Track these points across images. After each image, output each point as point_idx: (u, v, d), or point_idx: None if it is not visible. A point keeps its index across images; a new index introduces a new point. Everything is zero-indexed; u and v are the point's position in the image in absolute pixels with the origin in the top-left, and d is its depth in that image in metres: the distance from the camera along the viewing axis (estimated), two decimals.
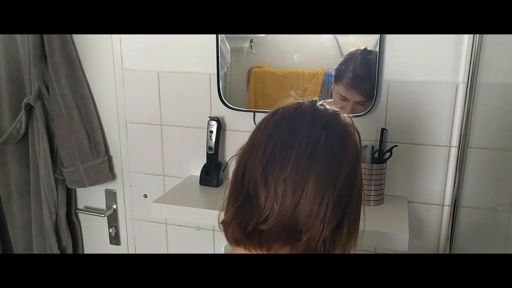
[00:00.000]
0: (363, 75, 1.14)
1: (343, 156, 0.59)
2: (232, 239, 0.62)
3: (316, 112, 0.62)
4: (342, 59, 1.14)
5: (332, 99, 1.18)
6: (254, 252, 0.61)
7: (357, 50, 1.12)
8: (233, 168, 0.65)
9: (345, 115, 0.64)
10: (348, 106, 1.15)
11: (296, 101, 0.65)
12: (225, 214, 0.64)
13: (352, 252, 0.64)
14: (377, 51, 1.11)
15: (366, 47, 1.12)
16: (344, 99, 1.15)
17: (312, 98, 0.65)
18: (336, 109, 0.64)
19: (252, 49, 1.22)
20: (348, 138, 0.61)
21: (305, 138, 0.58)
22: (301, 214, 0.57)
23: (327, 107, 0.64)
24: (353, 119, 0.65)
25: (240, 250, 0.63)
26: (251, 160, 0.60)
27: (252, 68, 1.23)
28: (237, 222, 0.60)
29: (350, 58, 1.14)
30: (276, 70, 1.21)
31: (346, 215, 0.60)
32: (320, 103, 0.64)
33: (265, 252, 0.60)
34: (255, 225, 0.58)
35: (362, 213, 0.65)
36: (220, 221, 0.65)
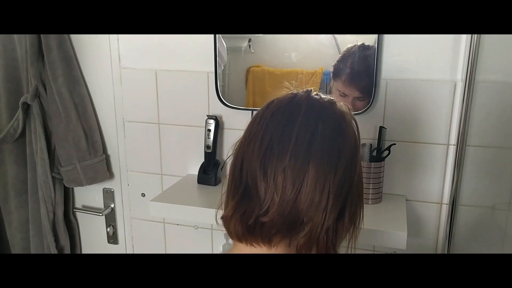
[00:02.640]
0: (361, 71, 1.14)
1: (342, 144, 0.59)
2: (234, 235, 0.61)
3: (311, 101, 0.61)
4: (340, 55, 1.14)
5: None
6: (256, 246, 0.60)
7: (355, 46, 1.12)
8: (231, 162, 0.64)
9: (341, 103, 0.63)
10: (348, 102, 1.15)
11: (291, 91, 0.64)
12: (224, 209, 0.63)
13: (354, 241, 0.65)
14: (375, 47, 1.11)
15: (363, 43, 1.12)
16: (344, 95, 1.16)
17: (306, 88, 0.64)
18: (331, 98, 0.63)
19: (251, 48, 1.22)
20: (346, 126, 0.60)
21: (303, 126, 0.57)
22: (302, 204, 0.56)
23: (322, 96, 0.63)
24: (349, 106, 0.64)
25: (241, 246, 0.62)
26: (249, 152, 0.59)
27: (250, 67, 1.23)
28: (238, 216, 0.59)
29: (348, 55, 1.14)
30: (274, 69, 1.21)
31: (348, 204, 0.59)
32: (315, 93, 0.63)
33: (267, 245, 0.60)
34: (256, 218, 0.58)
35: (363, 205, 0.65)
36: (220, 216, 0.64)
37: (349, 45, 1.13)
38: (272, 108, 0.61)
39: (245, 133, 0.62)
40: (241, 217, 0.59)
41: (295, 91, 0.63)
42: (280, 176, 0.56)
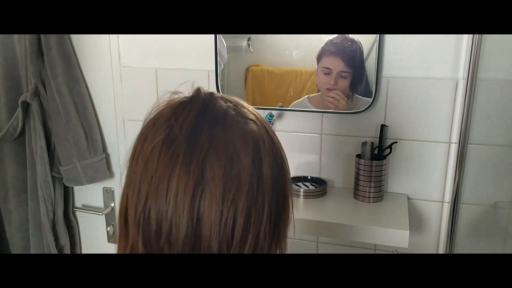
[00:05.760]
0: (344, 44, 1.13)
1: (236, 190, 0.47)
2: None
3: (196, 129, 0.48)
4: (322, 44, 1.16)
5: (317, 93, 1.18)
6: None
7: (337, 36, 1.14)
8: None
9: (236, 113, 0.51)
10: (332, 79, 1.14)
11: (177, 100, 0.53)
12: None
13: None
14: (357, 42, 1.12)
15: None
16: (328, 71, 1.15)
17: (199, 92, 0.53)
18: (230, 105, 0.52)
19: (250, 47, 1.21)
20: (240, 155, 0.48)
21: (183, 178, 0.46)
22: None
23: (214, 112, 0.51)
24: (248, 114, 0.52)
25: None
26: (129, 207, 0.51)
27: (249, 66, 1.23)
28: None
29: (330, 40, 1.14)
30: (274, 68, 1.20)
31: (258, 249, 0.50)
32: (213, 98, 0.52)
33: None
34: None
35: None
36: None
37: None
38: (148, 146, 0.49)
39: (128, 170, 0.52)
40: None
41: (174, 109, 0.51)
42: (166, 246, 0.48)
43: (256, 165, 0.49)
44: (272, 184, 0.50)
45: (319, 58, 1.16)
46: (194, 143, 0.47)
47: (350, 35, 1.12)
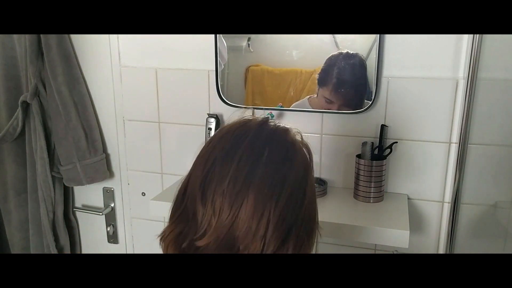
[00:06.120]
0: (347, 80, 1.14)
1: (288, 172, 0.57)
2: None
3: (263, 127, 0.60)
4: (324, 64, 1.15)
5: (315, 96, 1.19)
6: None
7: (339, 54, 1.13)
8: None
9: (295, 131, 0.63)
10: (334, 108, 1.17)
11: (246, 117, 0.64)
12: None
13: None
14: (359, 55, 1.12)
15: (348, 51, 1.12)
16: (330, 102, 1.16)
17: (266, 116, 0.64)
18: (287, 126, 0.62)
19: (250, 47, 1.21)
20: (295, 153, 0.59)
21: (247, 151, 0.56)
22: (239, 231, 0.53)
23: (278, 124, 0.62)
24: (303, 135, 0.64)
25: None
26: (193, 174, 0.59)
27: (249, 66, 1.23)
28: (173, 237, 0.58)
29: (333, 63, 1.14)
30: (273, 68, 1.20)
31: (292, 232, 0.56)
32: (272, 121, 0.63)
33: None
34: (190, 241, 0.56)
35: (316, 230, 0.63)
36: (158, 235, 0.62)
37: (333, 53, 1.14)
38: (222, 132, 0.61)
39: (197, 156, 0.62)
40: (176, 238, 0.58)
41: (250, 117, 0.63)
42: (218, 199, 0.54)
43: (305, 168, 0.60)
44: (311, 189, 0.60)
45: (320, 83, 1.16)
46: (260, 133, 0.59)
47: (351, 51, 1.12)
